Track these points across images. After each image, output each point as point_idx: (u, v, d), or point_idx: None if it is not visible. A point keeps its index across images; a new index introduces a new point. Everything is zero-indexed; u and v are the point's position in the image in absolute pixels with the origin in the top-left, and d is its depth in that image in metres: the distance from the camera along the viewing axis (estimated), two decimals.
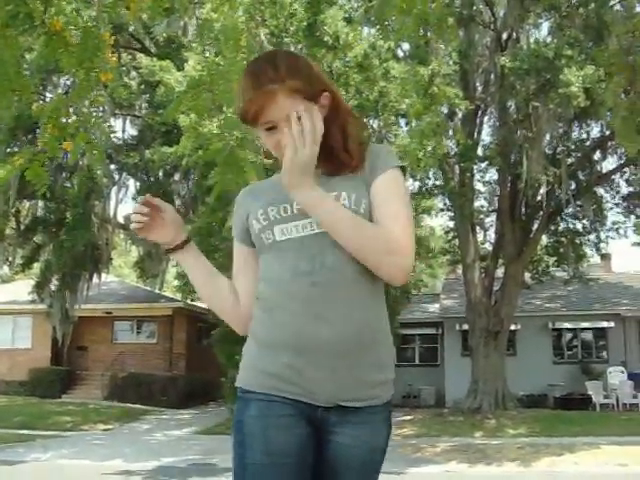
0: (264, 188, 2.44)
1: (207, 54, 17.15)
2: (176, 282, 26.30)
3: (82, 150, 7.40)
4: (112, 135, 21.71)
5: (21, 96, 5.16)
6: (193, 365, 32.08)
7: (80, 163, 22.44)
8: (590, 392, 25.18)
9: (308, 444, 2.18)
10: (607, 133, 23.30)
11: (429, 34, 15.95)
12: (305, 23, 17.40)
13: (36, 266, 28.24)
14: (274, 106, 2.19)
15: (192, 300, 30.72)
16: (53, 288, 25.74)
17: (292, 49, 19.72)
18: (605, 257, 32.72)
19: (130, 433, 22.55)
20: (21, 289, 31.19)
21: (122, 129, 25.81)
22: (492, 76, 24.19)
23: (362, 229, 2.15)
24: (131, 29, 23.13)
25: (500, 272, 25.77)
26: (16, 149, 22.90)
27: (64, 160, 20.08)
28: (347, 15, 18.79)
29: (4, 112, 5.23)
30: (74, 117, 6.28)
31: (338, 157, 2.30)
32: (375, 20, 18.25)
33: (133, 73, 23.01)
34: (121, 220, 28.55)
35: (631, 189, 26.49)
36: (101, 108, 18.42)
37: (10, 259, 29.50)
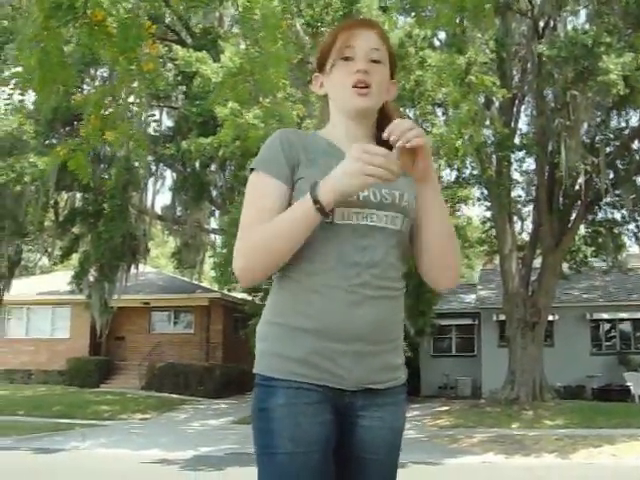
0: (317, 150, 2.29)
1: (242, 45, 17.21)
2: (213, 273, 26.38)
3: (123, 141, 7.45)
4: (152, 125, 21.86)
5: (64, 87, 5.19)
6: (230, 355, 32.24)
7: (117, 154, 22.62)
8: (629, 383, 24.93)
9: (333, 431, 2.18)
10: None
11: (465, 22, 15.85)
12: (341, 13, 17.37)
13: (74, 257, 28.52)
14: (366, 33, 2.31)
15: (229, 290, 30.84)
16: (91, 279, 25.97)
17: None
18: None
19: (167, 423, 22.71)
20: (60, 280, 31.53)
21: (159, 120, 25.91)
22: (529, 64, 23.95)
23: (448, 228, 2.27)
24: (167, 20, 23.23)
25: (537, 262, 25.55)
26: (54, 141, 23.16)
27: (103, 151, 20.26)
28: (383, 4, 18.73)
29: (45, 103, 5.26)
30: (115, 107, 6.32)
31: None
32: (411, 8, 18.17)
33: (169, 65, 23.10)
34: (158, 211, 28.75)
35: None
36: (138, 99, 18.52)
37: (49, 250, 29.86)
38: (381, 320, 2.18)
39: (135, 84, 5.47)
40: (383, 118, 2.35)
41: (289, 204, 2.19)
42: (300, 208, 2.10)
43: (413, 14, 19.16)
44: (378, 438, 2.25)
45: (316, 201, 2.05)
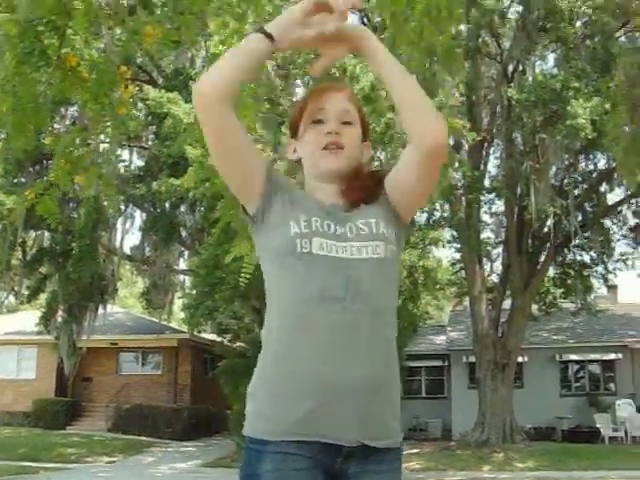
0: (298, 194, 2.31)
1: None
2: (182, 314, 26.25)
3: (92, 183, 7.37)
4: (120, 167, 21.78)
5: (37, 130, 5.15)
6: (198, 397, 31.89)
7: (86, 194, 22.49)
8: (598, 425, 24.95)
9: None
10: (613, 165, 23.26)
11: (435, 66, 15.98)
12: (313, 55, 17.44)
13: (42, 296, 28.22)
14: (335, 95, 2.33)
15: (199, 332, 30.61)
16: (59, 319, 25.69)
17: (299, 81, 19.81)
18: (612, 288, 32.58)
19: (135, 466, 22.38)
20: (26, 319, 31.12)
21: (129, 160, 25.86)
22: (498, 108, 24.21)
23: (415, 84, 2.25)
24: (139, 60, 23.24)
25: (507, 304, 25.64)
26: (23, 180, 23.02)
27: (71, 191, 20.14)
28: None
29: (20, 145, 5.20)
30: (86, 150, 6.26)
31: (373, 192, 2.30)
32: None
33: (140, 105, 23.08)
34: (127, 251, 28.56)
35: (638, 220, 26.43)
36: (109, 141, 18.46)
37: (16, 289, 29.52)
38: (377, 369, 2.10)
39: (107, 126, 5.42)
40: (357, 181, 2.32)
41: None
42: (247, 42, 2.19)
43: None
44: None
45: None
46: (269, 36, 2.12)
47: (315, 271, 2.10)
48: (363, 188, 2.28)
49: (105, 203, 23.35)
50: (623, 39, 20.96)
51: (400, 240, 2.30)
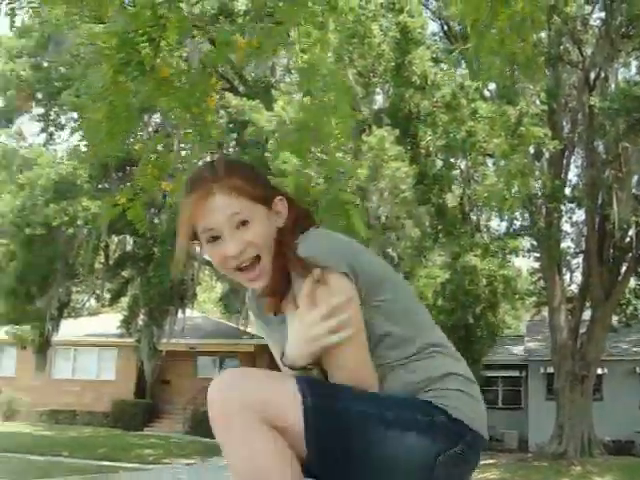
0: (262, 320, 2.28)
1: (296, 95, 17.41)
2: None
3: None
4: None
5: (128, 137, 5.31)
6: None
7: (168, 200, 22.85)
8: None
9: None
10: None
11: (516, 73, 15.90)
12: (393, 63, 17.51)
13: (123, 300, 28.75)
14: (213, 206, 2.03)
15: None
16: (140, 322, 26.15)
17: (380, 89, 19.88)
18: None
19: (212, 468, 22.61)
20: (106, 322, 31.79)
21: None
22: (580, 115, 23.91)
23: None
24: (220, 69, 23.56)
25: (586, 315, 25.26)
26: (107, 186, 23.53)
27: (162, 200, 20.53)
28: (434, 55, 18.87)
29: (111, 152, 5.36)
30: (168, 156, 6.43)
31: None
32: (464, 60, 18.27)
33: (221, 112, 23.40)
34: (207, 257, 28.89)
35: None
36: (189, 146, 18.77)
37: (98, 292, 30.11)
38: None
39: (196, 134, 5.57)
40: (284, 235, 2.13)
41: None
42: None
43: (464, 66, 19.31)
44: None
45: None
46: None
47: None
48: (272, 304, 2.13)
49: None
50: None
51: None
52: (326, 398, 1.91)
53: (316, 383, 1.96)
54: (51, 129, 25.58)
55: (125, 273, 27.30)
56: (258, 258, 2.06)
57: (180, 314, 28.13)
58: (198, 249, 2.17)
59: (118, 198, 6.30)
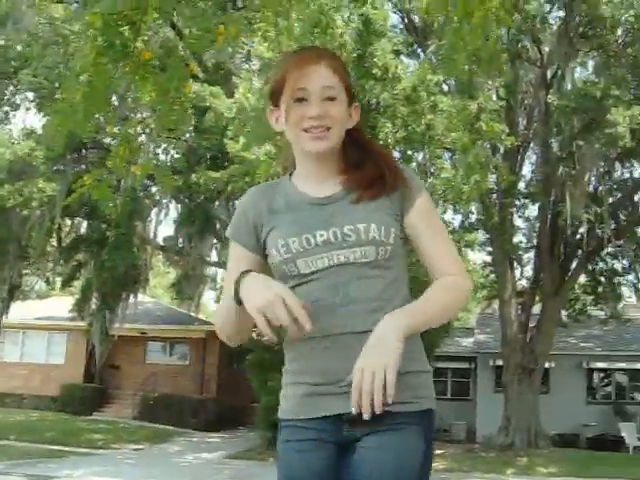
0: (280, 204, 2.34)
1: (255, 82, 17.40)
2: (211, 306, 26.39)
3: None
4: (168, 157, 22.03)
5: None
6: (224, 389, 32.07)
7: (122, 183, 22.69)
8: (623, 434, 24.86)
9: (330, 465, 2.18)
10: None
11: (474, 68, 16.03)
12: (355, 54, 17.55)
13: (75, 284, 28.49)
14: (315, 71, 2.21)
15: None
16: (93, 306, 25.96)
17: None
18: None
19: (160, 454, 22.60)
20: (56, 305, 31.47)
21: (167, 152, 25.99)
22: (536, 112, 24.18)
23: (444, 304, 2.28)
24: (181, 54, 23.42)
25: (536, 309, 25.60)
26: (62, 167, 23.29)
27: (125, 183, 20.42)
28: (396, 48, 18.94)
29: (86, 133, 5.34)
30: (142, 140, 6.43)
31: (371, 183, 2.27)
32: (427, 55, 18.38)
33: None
34: (160, 241, 28.75)
35: None
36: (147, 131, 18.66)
37: (49, 276, 29.82)
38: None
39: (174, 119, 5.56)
40: (351, 142, 2.34)
41: (265, 258, 2.33)
42: (228, 297, 2.20)
43: (422, 59, 19.44)
44: (380, 459, 2.11)
45: (238, 300, 2.13)
46: (238, 302, 2.13)
47: (308, 288, 2.21)
48: (364, 185, 2.27)
49: (140, 194, 23.61)
50: None
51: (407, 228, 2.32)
52: None
53: None
54: (6, 108, 25.24)
55: (79, 256, 27.03)
56: (328, 130, 2.23)
57: (131, 299, 27.98)
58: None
59: (86, 179, 6.28)
